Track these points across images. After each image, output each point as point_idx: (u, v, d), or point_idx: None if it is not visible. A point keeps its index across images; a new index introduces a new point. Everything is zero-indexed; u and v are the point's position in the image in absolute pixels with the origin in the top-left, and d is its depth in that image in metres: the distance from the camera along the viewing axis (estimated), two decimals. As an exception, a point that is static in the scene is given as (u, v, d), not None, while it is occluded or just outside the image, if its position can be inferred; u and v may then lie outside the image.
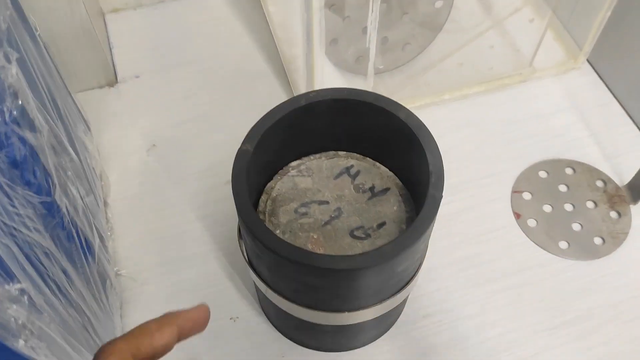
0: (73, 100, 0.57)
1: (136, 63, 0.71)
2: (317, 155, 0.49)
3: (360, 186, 0.48)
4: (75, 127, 0.53)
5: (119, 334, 0.50)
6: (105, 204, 0.59)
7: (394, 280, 0.42)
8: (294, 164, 0.49)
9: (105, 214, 0.58)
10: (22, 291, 0.27)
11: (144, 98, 0.68)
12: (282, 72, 0.70)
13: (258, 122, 0.43)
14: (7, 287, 0.25)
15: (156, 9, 0.76)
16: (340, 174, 0.48)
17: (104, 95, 0.68)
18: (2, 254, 0.29)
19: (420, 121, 0.44)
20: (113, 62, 0.70)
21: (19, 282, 0.27)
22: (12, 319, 0.25)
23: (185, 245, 0.58)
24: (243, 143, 0.42)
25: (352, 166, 0.49)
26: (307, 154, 0.49)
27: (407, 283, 0.44)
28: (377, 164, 0.49)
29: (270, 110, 0.44)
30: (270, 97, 0.68)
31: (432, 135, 0.43)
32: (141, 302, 0.54)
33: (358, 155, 0.50)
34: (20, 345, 0.26)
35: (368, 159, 0.49)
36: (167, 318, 0.24)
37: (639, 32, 0.63)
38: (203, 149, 0.64)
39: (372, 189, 0.48)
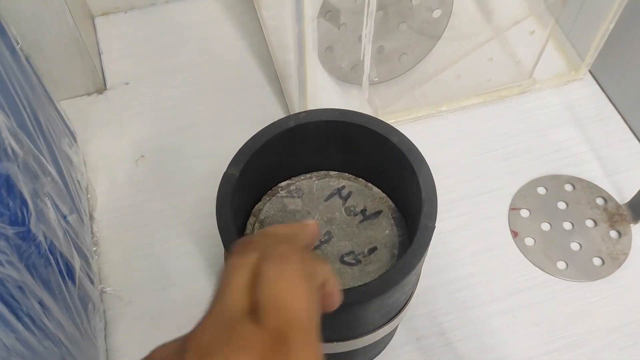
0: (58, 112, 0.55)
1: (126, 69, 0.69)
2: (308, 175, 0.48)
3: (352, 209, 0.46)
4: (58, 140, 0.51)
5: (102, 358, 0.49)
6: (91, 217, 0.57)
7: (384, 310, 0.41)
8: (283, 184, 0.47)
9: (90, 228, 0.56)
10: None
11: (134, 106, 0.66)
12: (276, 79, 0.68)
13: (245, 144, 0.42)
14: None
15: (148, 13, 0.74)
16: (331, 196, 0.47)
17: (91, 103, 0.66)
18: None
19: (413, 145, 0.42)
20: (102, 68, 0.68)
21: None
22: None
23: (173, 261, 0.56)
24: (229, 167, 0.41)
25: (343, 187, 0.47)
26: (297, 174, 0.48)
27: (399, 312, 0.43)
28: (370, 184, 0.47)
29: (258, 132, 0.42)
30: (263, 105, 0.67)
31: (425, 161, 0.41)
32: (127, 321, 0.53)
33: (350, 175, 0.48)
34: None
35: (360, 179, 0.48)
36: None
37: (643, 44, 0.61)
38: (194, 159, 0.62)
39: (363, 211, 0.46)
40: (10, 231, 0.33)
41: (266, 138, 0.42)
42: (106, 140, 0.64)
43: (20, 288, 0.34)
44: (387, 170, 0.44)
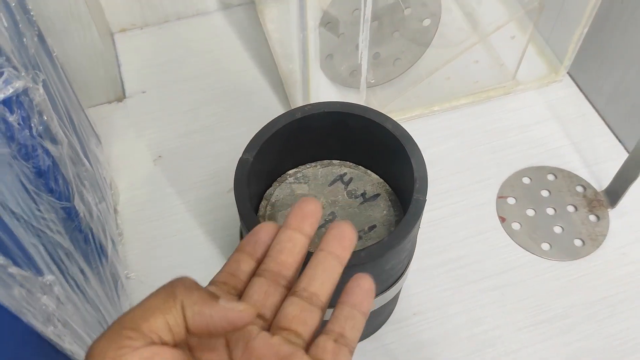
0: (85, 116, 0.61)
1: (143, 79, 0.75)
2: (313, 164, 0.53)
3: (353, 192, 0.52)
4: (88, 140, 0.57)
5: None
6: (115, 211, 0.63)
7: (383, 277, 0.46)
8: (291, 172, 0.53)
9: (115, 220, 0.61)
10: (51, 284, 0.31)
11: (151, 112, 0.72)
12: (280, 86, 0.74)
13: (257, 133, 0.47)
14: (39, 278, 0.29)
15: (161, 28, 0.80)
16: (334, 181, 0.52)
17: (113, 110, 0.72)
18: (32, 252, 0.32)
19: (406, 131, 0.48)
20: (121, 79, 0.75)
21: (48, 275, 0.31)
22: (44, 307, 0.29)
23: (190, 250, 0.62)
24: (244, 153, 0.46)
25: (345, 174, 0.53)
26: (303, 163, 0.53)
27: (396, 281, 0.48)
28: (369, 171, 0.53)
29: (269, 123, 0.48)
30: (268, 109, 0.73)
31: (416, 144, 0.47)
32: (149, 303, 0.58)
33: (351, 163, 0.53)
34: (49, 331, 0.30)
35: (360, 167, 0.53)
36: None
37: (615, 46, 0.67)
38: (206, 159, 0.68)
39: (363, 194, 0.51)
40: (58, 205, 0.39)
41: (276, 127, 0.48)
42: (127, 143, 0.69)
43: (67, 254, 0.39)
44: (383, 155, 0.50)
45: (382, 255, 0.42)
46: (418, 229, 0.46)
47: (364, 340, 0.56)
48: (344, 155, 0.53)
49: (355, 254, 0.42)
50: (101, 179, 0.57)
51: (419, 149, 0.46)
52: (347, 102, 0.49)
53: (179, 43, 0.79)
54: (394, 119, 0.48)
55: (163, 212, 0.64)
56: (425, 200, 0.44)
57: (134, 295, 0.58)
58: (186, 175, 0.67)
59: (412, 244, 0.48)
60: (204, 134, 0.70)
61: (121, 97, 0.73)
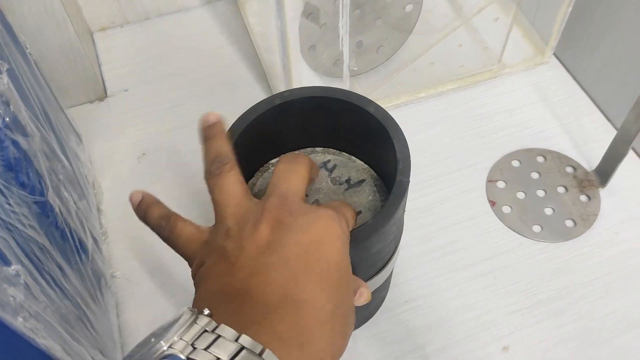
0: (65, 114, 0.60)
1: (124, 77, 0.74)
2: (296, 153, 0.52)
3: (337, 179, 0.51)
4: (67, 138, 0.56)
5: (116, 331, 0.53)
6: (99, 210, 0.62)
7: (370, 261, 0.45)
8: (273, 161, 0.52)
9: (99, 219, 0.60)
10: (18, 275, 0.30)
11: (133, 110, 0.71)
12: (264, 79, 0.73)
13: (234, 123, 0.46)
14: (4, 268, 0.28)
15: (142, 26, 0.80)
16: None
17: (95, 109, 0.71)
18: (0, 245, 0.31)
19: (388, 114, 0.47)
20: (102, 78, 0.74)
21: (14, 265, 0.30)
22: (11, 298, 0.28)
23: (176, 247, 0.61)
24: None
25: (329, 161, 0.52)
26: (285, 152, 0.52)
27: (384, 265, 0.47)
28: (353, 157, 0.52)
29: (246, 111, 0.47)
30: (252, 102, 0.71)
31: (398, 126, 0.46)
32: (136, 301, 0.57)
33: (334, 150, 0.53)
34: (18, 323, 0.29)
35: (344, 153, 0.52)
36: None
37: (600, 25, 0.66)
38: (190, 155, 0.67)
39: (348, 181, 0.50)
40: (30, 199, 0.38)
41: (254, 116, 0.46)
42: (110, 142, 0.68)
43: (41, 249, 0.38)
44: (367, 140, 0.49)
45: (367, 238, 0.41)
46: (403, 212, 0.45)
47: (357, 329, 0.55)
48: (327, 142, 0.52)
49: None
50: (82, 177, 0.56)
51: (401, 131, 0.45)
52: (328, 87, 0.48)
53: (161, 40, 0.78)
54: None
55: (148, 209, 0.63)
56: (409, 181, 0.43)
57: (121, 294, 0.57)
58: (170, 172, 0.66)
59: (397, 227, 0.47)
60: (188, 130, 0.69)
61: (103, 96, 0.72)
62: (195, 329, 0.27)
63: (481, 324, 0.55)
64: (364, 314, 0.54)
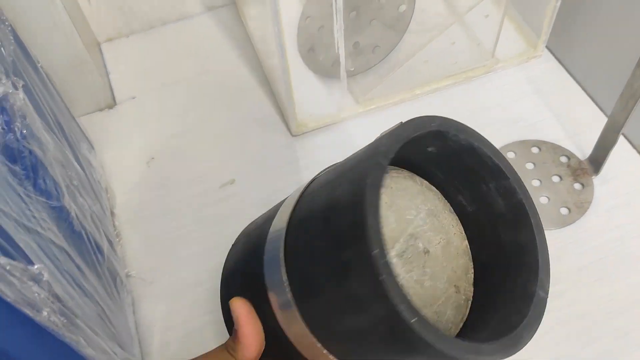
0: (76, 123, 0.63)
1: (132, 85, 0.77)
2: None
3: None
4: (79, 145, 0.59)
5: (132, 327, 0.56)
6: (112, 214, 0.65)
7: None
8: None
9: (112, 222, 0.63)
10: (41, 274, 0.32)
11: (141, 116, 0.74)
12: (266, 82, 0.76)
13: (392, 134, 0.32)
14: (28, 267, 0.31)
15: (147, 35, 0.82)
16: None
17: (104, 117, 0.74)
18: (23, 248, 0.34)
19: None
20: (111, 86, 0.77)
21: (37, 264, 0.33)
22: (36, 294, 0.31)
23: (186, 246, 0.63)
24: (376, 156, 0.30)
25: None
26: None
27: None
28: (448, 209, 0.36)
29: (404, 124, 0.32)
30: (256, 106, 0.74)
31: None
32: (151, 299, 0.60)
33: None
34: (43, 317, 0.32)
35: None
36: None
37: (590, 16, 0.68)
38: (196, 158, 0.70)
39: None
40: (48, 205, 0.41)
41: (414, 134, 0.32)
42: (120, 148, 0.71)
43: (61, 250, 0.41)
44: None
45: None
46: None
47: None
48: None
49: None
50: (95, 182, 0.59)
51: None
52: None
53: (166, 48, 0.81)
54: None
55: (158, 211, 0.66)
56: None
57: (136, 292, 0.60)
58: (178, 175, 0.69)
59: None
60: (194, 134, 0.72)
61: (112, 104, 0.75)
62: None
63: (480, 310, 0.57)
64: None
